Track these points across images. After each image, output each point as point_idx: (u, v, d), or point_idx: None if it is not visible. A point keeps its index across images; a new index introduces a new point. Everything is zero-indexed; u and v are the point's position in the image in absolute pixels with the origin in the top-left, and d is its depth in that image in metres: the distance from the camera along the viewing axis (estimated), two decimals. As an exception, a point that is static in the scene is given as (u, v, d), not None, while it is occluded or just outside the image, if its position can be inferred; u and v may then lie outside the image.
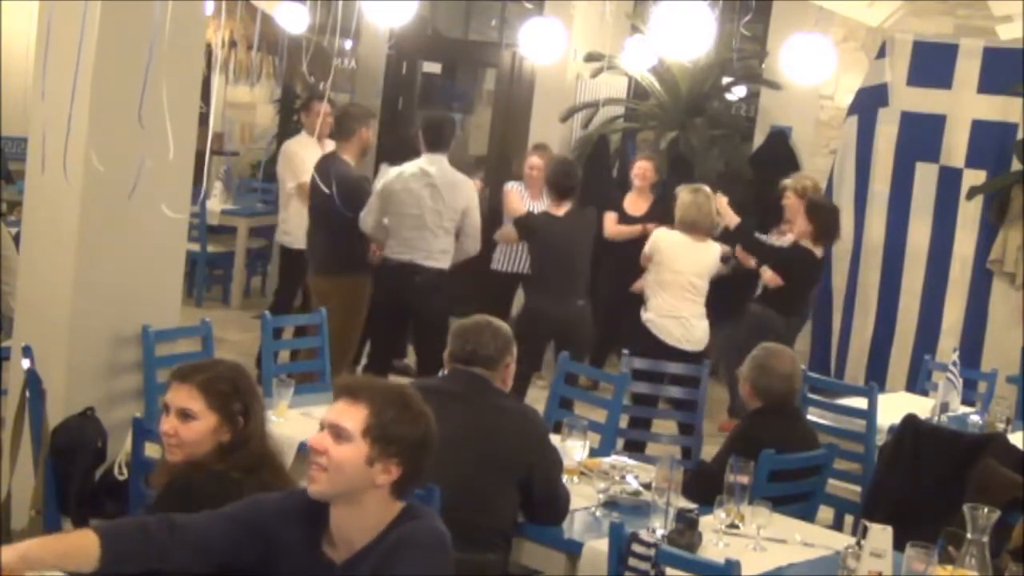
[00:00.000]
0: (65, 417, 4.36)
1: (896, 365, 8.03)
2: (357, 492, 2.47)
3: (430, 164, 6.36)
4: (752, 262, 7.12)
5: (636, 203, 8.16)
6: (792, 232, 7.18)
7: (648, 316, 6.39)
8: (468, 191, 6.46)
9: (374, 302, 6.65)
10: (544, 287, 6.54)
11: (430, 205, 6.30)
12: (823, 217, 6.92)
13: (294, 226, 7.64)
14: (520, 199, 7.99)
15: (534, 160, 8.15)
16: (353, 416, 2.48)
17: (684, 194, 6.53)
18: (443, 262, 6.40)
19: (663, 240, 6.47)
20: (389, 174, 6.54)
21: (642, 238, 7.14)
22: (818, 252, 6.90)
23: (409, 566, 2.41)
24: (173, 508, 2.71)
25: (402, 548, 2.43)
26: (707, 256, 6.47)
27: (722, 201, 6.93)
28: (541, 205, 7.51)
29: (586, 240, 6.72)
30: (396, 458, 2.48)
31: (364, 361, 6.98)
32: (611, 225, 8.02)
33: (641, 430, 6.11)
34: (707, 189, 6.63)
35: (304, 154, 7.70)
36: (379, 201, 6.39)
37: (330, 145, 7.68)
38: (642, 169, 8.15)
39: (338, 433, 2.47)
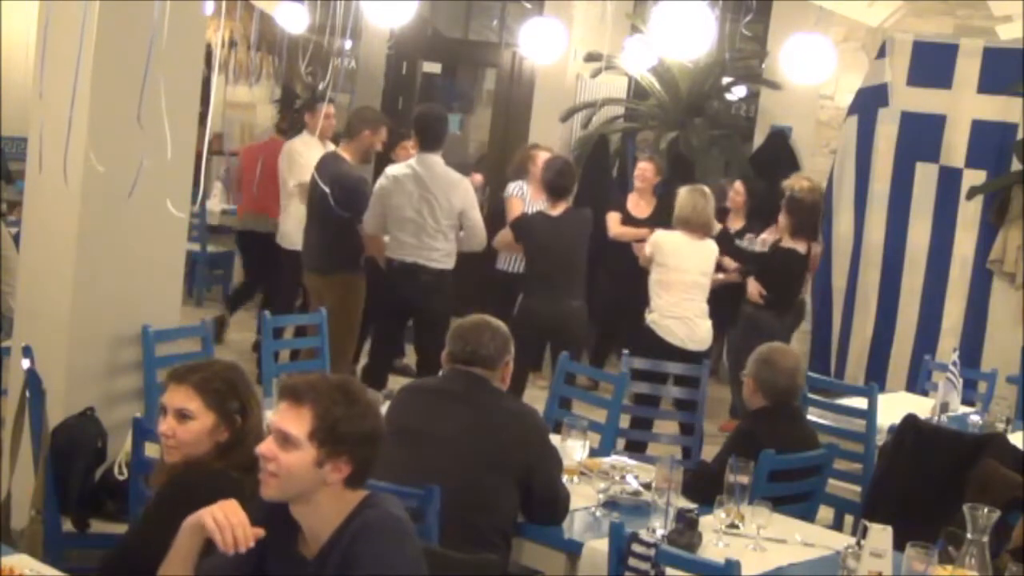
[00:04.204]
0: (65, 417, 4.36)
1: (896, 365, 8.03)
2: (309, 492, 2.48)
3: (421, 165, 6.33)
4: (734, 267, 7.17)
5: (639, 205, 8.09)
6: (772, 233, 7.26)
7: (652, 317, 6.37)
8: (464, 190, 6.40)
9: (376, 301, 6.66)
10: (539, 286, 6.51)
11: (424, 207, 6.29)
12: (800, 213, 7.00)
13: (291, 228, 7.63)
14: (522, 206, 7.86)
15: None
16: (297, 420, 2.46)
17: (682, 193, 6.54)
18: (446, 263, 6.39)
19: (664, 240, 6.46)
20: (383, 176, 6.52)
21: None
22: (800, 248, 6.95)
23: (369, 553, 2.42)
24: (172, 507, 2.72)
25: (361, 537, 2.44)
26: (707, 253, 6.48)
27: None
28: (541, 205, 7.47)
29: (582, 241, 6.68)
30: (345, 456, 2.47)
31: (364, 360, 7.00)
32: (615, 225, 7.94)
33: (642, 430, 6.11)
34: (705, 189, 6.62)
35: (307, 153, 7.68)
36: (378, 203, 6.38)
37: (332, 146, 7.70)
38: (642, 170, 8.07)
39: (284, 438, 2.46)
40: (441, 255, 6.36)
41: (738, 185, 8.10)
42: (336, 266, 6.67)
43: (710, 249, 6.49)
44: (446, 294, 6.43)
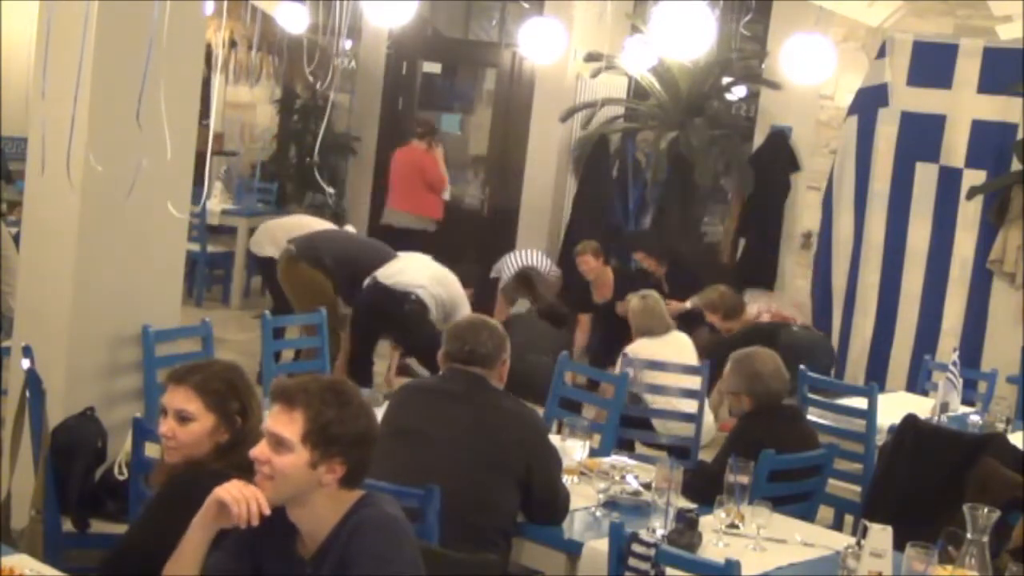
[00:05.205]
0: (65, 417, 4.36)
1: (896, 365, 8.03)
2: (304, 494, 2.49)
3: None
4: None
5: (600, 291, 8.42)
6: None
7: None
8: (463, 307, 6.74)
9: (357, 314, 6.83)
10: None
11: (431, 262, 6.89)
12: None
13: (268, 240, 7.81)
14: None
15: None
16: (290, 423, 2.47)
17: (633, 303, 6.42)
18: (430, 301, 6.63)
19: (636, 354, 6.18)
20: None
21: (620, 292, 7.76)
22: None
23: (365, 552, 2.44)
24: (172, 507, 2.72)
25: (357, 537, 2.46)
26: (680, 342, 6.31)
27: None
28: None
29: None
30: (339, 457, 2.48)
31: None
32: (583, 335, 8.46)
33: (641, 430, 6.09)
34: (654, 294, 6.53)
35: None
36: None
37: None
38: (582, 264, 8.39)
39: (278, 441, 2.47)
40: (429, 296, 6.63)
41: (638, 256, 8.68)
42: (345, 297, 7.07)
43: (680, 338, 6.34)
44: (426, 321, 6.63)
